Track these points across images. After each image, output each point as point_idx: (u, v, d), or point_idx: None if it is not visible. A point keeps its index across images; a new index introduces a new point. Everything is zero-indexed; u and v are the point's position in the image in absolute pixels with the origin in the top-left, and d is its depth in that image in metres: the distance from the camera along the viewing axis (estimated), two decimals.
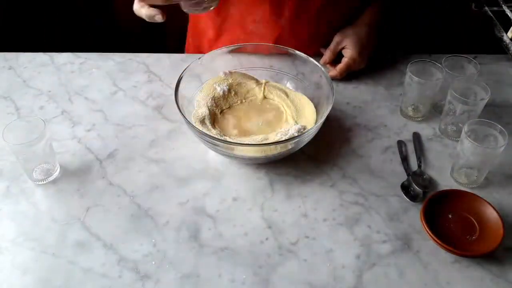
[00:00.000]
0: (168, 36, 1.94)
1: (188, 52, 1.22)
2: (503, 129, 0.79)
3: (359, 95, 1.02)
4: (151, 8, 0.79)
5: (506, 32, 1.02)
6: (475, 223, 0.76)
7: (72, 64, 1.10)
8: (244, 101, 0.96)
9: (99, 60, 1.11)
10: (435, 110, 0.97)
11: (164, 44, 1.91)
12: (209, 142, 0.81)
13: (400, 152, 0.89)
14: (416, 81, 0.90)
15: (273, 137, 0.86)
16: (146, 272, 0.71)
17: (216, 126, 0.90)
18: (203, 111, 0.91)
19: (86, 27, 1.87)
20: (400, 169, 0.86)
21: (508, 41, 1.02)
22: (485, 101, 0.85)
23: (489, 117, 0.82)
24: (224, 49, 0.95)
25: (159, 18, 0.78)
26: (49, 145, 0.82)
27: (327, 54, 1.04)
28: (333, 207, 0.80)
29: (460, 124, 0.88)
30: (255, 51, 0.98)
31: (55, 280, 0.70)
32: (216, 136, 0.84)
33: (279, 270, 0.72)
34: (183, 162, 0.87)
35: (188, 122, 0.81)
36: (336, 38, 1.03)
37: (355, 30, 1.03)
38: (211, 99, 0.94)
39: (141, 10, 0.80)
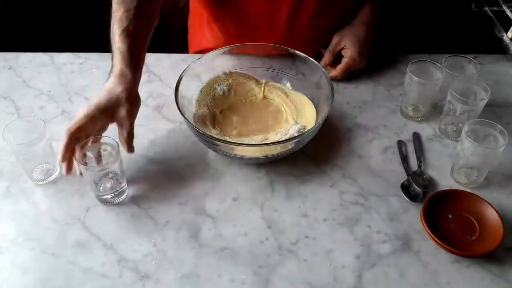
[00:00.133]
0: (168, 36, 1.94)
1: (190, 48, 1.22)
2: (503, 129, 0.78)
3: (359, 95, 1.02)
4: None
5: (506, 32, 1.03)
6: (475, 223, 0.76)
7: (72, 64, 1.10)
8: (244, 101, 0.96)
9: (99, 60, 1.11)
10: (435, 110, 0.97)
11: (164, 44, 1.91)
12: (209, 142, 0.81)
13: (400, 152, 0.89)
14: (416, 81, 0.90)
15: (273, 137, 0.86)
16: (146, 272, 0.71)
17: (216, 126, 0.90)
18: (204, 111, 0.91)
19: (86, 27, 1.87)
20: (400, 169, 0.86)
21: (508, 41, 1.02)
22: (485, 101, 0.85)
23: (489, 117, 0.82)
24: (224, 49, 0.95)
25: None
26: (49, 145, 0.82)
27: (327, 56, 1.04)
28: (333, 207, 0.80)
29: (460, 124, 0.88)
30: (255, 51, 0.98)
31: (55, 280, 0.70)
32: (216, 136, 0.84)
33: (279, 270, 0.72)
34: (183, 162, 0.87)
35: (188, 122, 0.81)
36: (335, 39, 1.03)
37: (353, 30, 1.03)
38: (211, 99, 0.94)
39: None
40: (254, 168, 0.87)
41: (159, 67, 1.09)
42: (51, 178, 0.84)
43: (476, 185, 0.83)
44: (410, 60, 0.93)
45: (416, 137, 0.92)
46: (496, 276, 0.71)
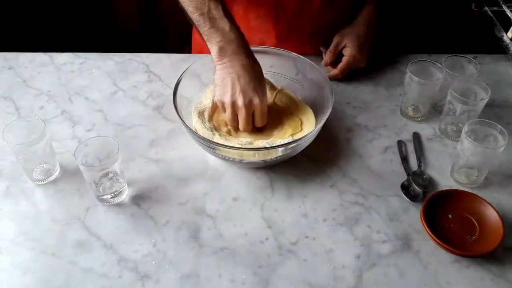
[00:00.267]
0: (168, 36, 1.94)
1: (194, 47, 1.22)
2: (503, 129, 0.78)
3: (359, 95, 1.02)
4: None
5: (506, 32, 1.03)
6: (475, 223, 0.76)
7: (72, 64, 1.10)
8: None
9: (99, 60, 1.11)
10: (435, 110, 0.97)
11: (164, 44, 1.92)
12: (205, 145, 0.81)
13: (400, 152, 0.89)
14: (416, 81, 0.90)
15: (259, 144, 0.85)
16: (146, 272, 0.71)
17: (212, 120, 0.90)
18: (207, 103, 0.91)
19: (86, 27, 1.87)
20: (400, 169, 0.86)
21: (508, 41, 1.02)
22: (485, 101, 0.85)
23: (489, 117, 0.82)
24: None
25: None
26: (49, 145, 0.82)
27: (328, 55, 1.05)
28: (333, 207, 0.80)
29: (460, 124, 0.88)
30: (255, 51, 0.98)
31: (55, 280, 0.70)
32: (213, 140, 0.83)
33: (279, 270, 0.72)
34: (183, 162, 0.87)
35: (185, 125, 0.81)
36: (336, 39, 1.04)
37: (353, 29, 1.03)
38: None
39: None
40: (254, 168, 0.87)
41: (159, 67, 1.09)
42: (51, 178, 0.84)
43: (476, 185, 0.83)
44: (410, 60, 0.93)
45: (416, 137, 0.92)
46: (496, 276, 0.71)
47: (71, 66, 1.09)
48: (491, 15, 1.07)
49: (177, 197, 0.81)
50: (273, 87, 0.96)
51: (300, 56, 0.94)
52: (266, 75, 0.98)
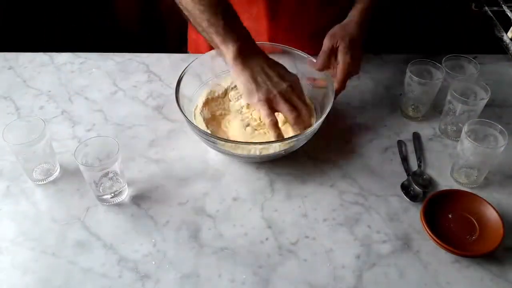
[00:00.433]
0: (168, 36, 1.94)
1: (190, 47, 1.22)
2: (503, 129, 0.79)
3: (359, 95, 1.02)
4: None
5: (506, 32, 1.03)
6: (475, 223, 0.76)
7: (72, 64, 1.10)
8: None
9: (99, 60, 1.11)
10: (435, 110, 0.97)
11: (164, 44, 1.92)
12: (209, 140, 0.81)
13: (400, 152, 0.89)
14: (416, 81, 0.90)
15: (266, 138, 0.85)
16: (146, 272, 0.71)
17: (208, 108, 0.91)
18: (206, 113, 0.91)
19: (86, 27, 1.87)
20: (400, 169, 0.86)
21: (508, 41, 1.02)
22: (485, 101, 0.85)
23: (489, 117, 0.82)
24: None
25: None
26: (49, 145, 0.82)
27: (321, 58, 0.94)
28: (333, 207, 0.80)
29: (460, 124, 0.88)
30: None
31: (55, 280, 0.70)
32: (215, 135, 0.84)
33: (279, 270, 0.72)
34: (183, 162, 0.87)
35: (189, 121, 0.81)
36: (327, 43, 0.94)
37: (347, 31, 0.95)
38: (231, 88, 0.95)
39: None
40: (254, 168, 0.87)
41: (159, 67, 1.09)
42: (51, 178, 0.84)
43: (476, 185, 0.83)
44: (410, 60, 0.93)
45: (416, 137, 0.92)
46: (496, 276, 0.71)
47: (71, 66, 1.09)
48: (491, 15, 1.07)
49: (177, 197, 0.81)
50: None
51: (300, 53, 0.94)
52: None
